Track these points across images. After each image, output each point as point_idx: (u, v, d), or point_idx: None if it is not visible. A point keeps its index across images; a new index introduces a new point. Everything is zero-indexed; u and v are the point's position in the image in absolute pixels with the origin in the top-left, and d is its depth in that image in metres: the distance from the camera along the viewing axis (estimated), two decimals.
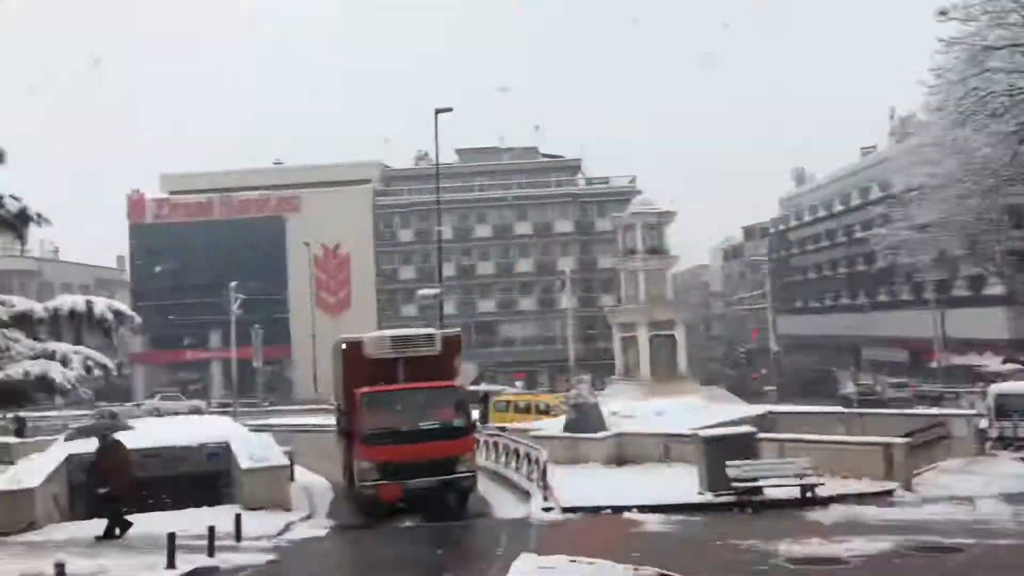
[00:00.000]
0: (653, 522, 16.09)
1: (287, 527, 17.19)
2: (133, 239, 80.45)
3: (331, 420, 24.19)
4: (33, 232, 28.43)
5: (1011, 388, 25.61)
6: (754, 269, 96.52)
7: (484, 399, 33.50)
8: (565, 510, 17.35)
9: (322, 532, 17.23)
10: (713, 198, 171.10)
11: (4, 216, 30.15)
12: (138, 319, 35.28)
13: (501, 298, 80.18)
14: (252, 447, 20.59)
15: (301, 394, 71.57)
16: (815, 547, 13.01)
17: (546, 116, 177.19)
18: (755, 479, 17.62)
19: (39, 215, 31.37)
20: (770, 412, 29.23)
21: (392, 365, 19.41)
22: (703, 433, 18.62)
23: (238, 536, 15.39)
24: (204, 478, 20.37)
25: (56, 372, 29.83)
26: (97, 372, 34.44)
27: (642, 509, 17.23)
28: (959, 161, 28.89)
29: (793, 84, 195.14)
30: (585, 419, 24.10)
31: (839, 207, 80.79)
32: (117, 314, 34.48)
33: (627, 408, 27.43)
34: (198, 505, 18.75)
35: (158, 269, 75.10)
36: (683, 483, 19.16)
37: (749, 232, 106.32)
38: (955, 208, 41.34)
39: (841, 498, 17.96)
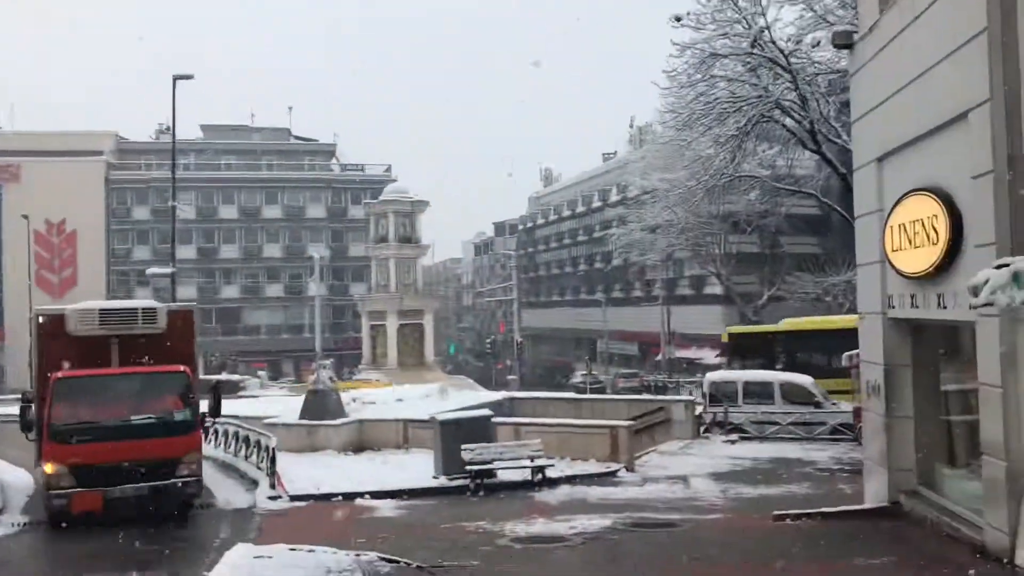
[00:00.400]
0: (384, 508, 15.82)
1: None
2: None
3: None
4: None
5: (722, 376, 27.85)
6: (504, 263, 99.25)
7: (215, 388, 31.62)
8: (294, 498, 16.65)
9: (11, 530, 15.30)
10: (468, 194, 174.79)
11: None
12: None
13: (246, 283, 76.89)
14: None
15: (15, 382, 64.78)
16: (540, 526, 13.27)
17: (301, 100, 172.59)
18: (489, 462, 17.82)
19: None
20: (510, 398, 29.88)
21: (103, 345, 16.16)
22: (440, 417, 18.60)
23: None
24: None
25: None
26: None
27: (375, 495, 16.91)
28: (687, 169, 31.05)
29: (549, 87, 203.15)
30: (323, 405, 23.39)
31: (581, 208, 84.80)
32: None
33: (368, 394, 26.99)
34: None
35: None
36: (420, 468, 19.08)
37: (500, 228, 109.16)
38: (682, 212, 44.84)
39: (569, 479, 18.63)
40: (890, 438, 12.27)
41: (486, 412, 19.20)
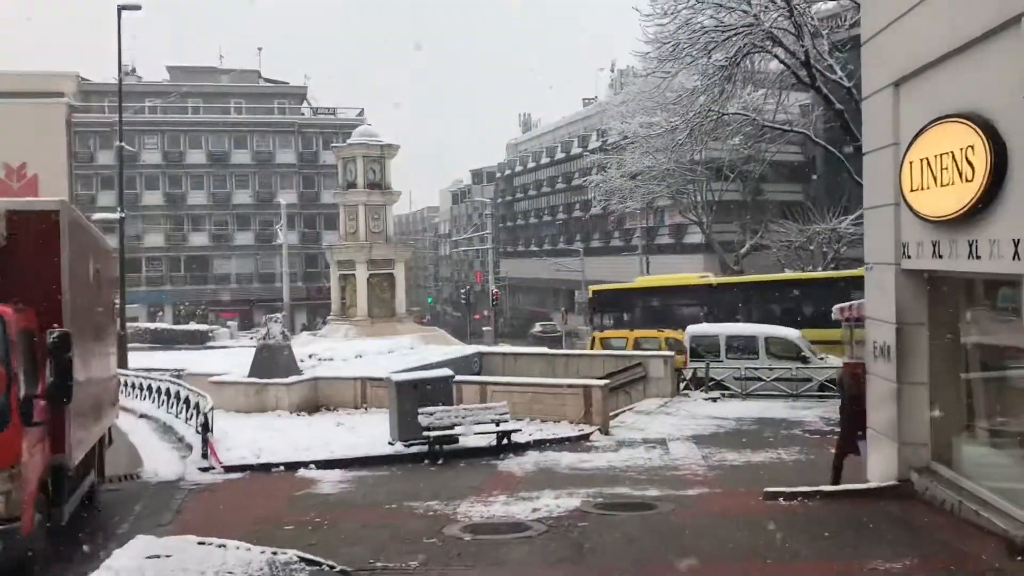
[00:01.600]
0: (328, 481, 14.11)
1: None
2: None
3: None
4: None
5: (703, 330, 26.21)
6: (481, 212, 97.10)
7: (56, 350, 29.63)
8: (228, 469, 14.91)
9: None
10: (446, 140, 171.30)
11: None
12: None
13: (215, 231, 74.46)
14: None
15: None
16: (499, 507, 11.63)
17: (271, 41, 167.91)
18: (449, 427, 16.15)
19: None
20: (480, 353, 28.22)
21: None
22: (395, 377, 16.82)
23: None
24: None
25: None
26: None
27: (320, 465, 15.22)
28: (671, 108, 29.07)
29: (530, 30, 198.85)
30: (273, 362, 21.55)
31: (560, 155, 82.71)
32: None
33: (326, 350, 25.18)
34: None
35: None
36: (376, 432, 17.42)
37: (477, 175, 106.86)
38: (663, 158, 42.98)
39: (538, 444, 17.08)
40: (901, 407, 10.65)
41: (446, 372, 17.45)
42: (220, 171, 74.20)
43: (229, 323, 67.23)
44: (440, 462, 15.67)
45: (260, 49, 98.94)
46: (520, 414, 18.77)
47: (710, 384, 24.28)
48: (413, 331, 41.68)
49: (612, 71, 77.32)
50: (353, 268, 41.99)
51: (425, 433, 15.94)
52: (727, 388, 24.35)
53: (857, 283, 15.08)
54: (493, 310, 64.37)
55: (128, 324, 61.80)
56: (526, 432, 17.54)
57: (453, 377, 17.40)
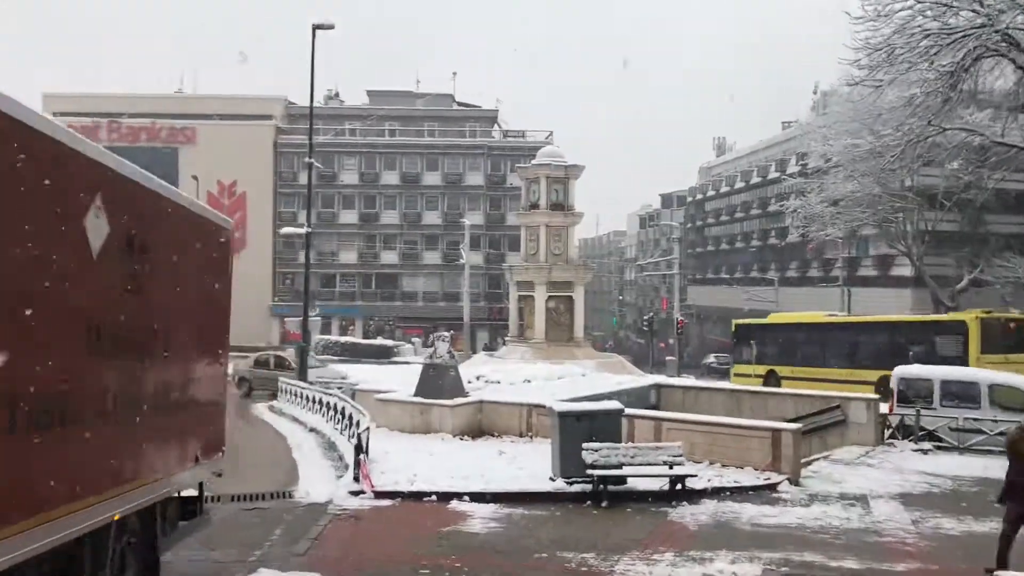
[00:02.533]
0: (479, 517, 12.95)
1: None
2: None
3: None
4: None
5: (915, 372, 23.20)
6: (669, 237, 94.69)
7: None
8: (379, 494, 14.06)
9: None
10: (635, 164, 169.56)
11: None
12: None
13: (405, 250, 76.28)
14: None
15: None
16: (663, 569, 10.04)
17: (466, 66, 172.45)
18: (615, 466, 14.62)
19: None
20: (658, 385, 26.44)
21: None
22: (558, 407, 15.46)
23: None
24: None
25: None
26: None
27: (475, 497, 14.10)
28: (883, 121, 26.24)
29: (724, 52, 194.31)
30: (439, 382, 20.79)
31: (756, 179, 79.27)
32: None
33: (494, 372, 24.25)
34: None
35: None
36: (538, 465, 16.15)
37: (667, 200, 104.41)
38: (869, 184, 39.57)
39: (717, 492, 15.23)
40: None
41: (615, 404, 15.92)
42: (412, 192, 76.04)
43: (414, 339, 68.39)
44: (604, 504, 14.17)
45: (455, 74, 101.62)
46: (697, 456, 17.00)
47: (920, 434, 21.37)
48: (591, 356, 40.40)
49: (815, 92, 73.47)
50: (532, 289, 41.29)
51: (589, 471, 14.51)
52: (940, 440, 21.34)
53: None
54: (678, 339, 61.91)
55: (320, 337, 64.66)
56: (703, 477, 15.76)
57: (623, 411, 15.87)
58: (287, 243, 74.72)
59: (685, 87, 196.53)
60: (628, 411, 16.83)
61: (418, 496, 14.19)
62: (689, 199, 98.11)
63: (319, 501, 13.91)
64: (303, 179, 75.13)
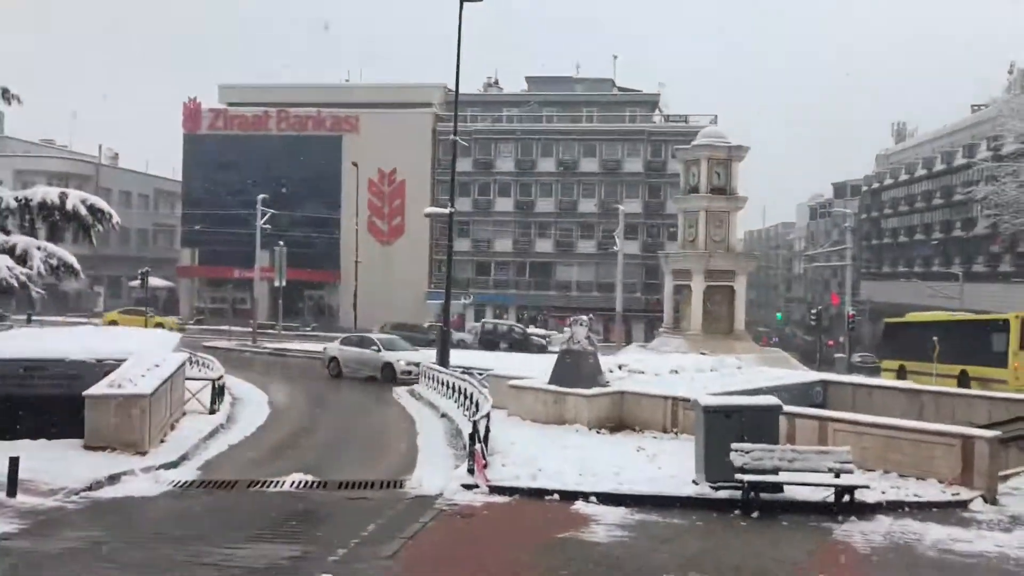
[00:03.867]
0: (605, 523, 11.22)
1: (112, 478, 12.88)
2: (187, 149, 77.38)
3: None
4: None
5: None
6: (842, 228, 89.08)
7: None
8: (494, 489, 12.57)
9: (158, 489, 12.75)
10: (806, 152, 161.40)
11: None
12: (116, 218, 31.70)
13: (560, 238, 74.91)
14: (145, 368, 16.31)
15: (346, 322, 68.36)
16: None
17: (627, 49, 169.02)
18: (770, 471, 12.53)
19: (5, 91, 27.75)
20: (825, 382, 23.72)
21: None
22: (704, 400, 13.44)
23: (11, 487, 11.07)
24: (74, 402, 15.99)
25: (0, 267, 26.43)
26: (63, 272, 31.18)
27: (603, 499, 12.38)
28: None
29: (903, 35, 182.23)
30: (576, 369, 19.08)
31: (940, 166, 73.07)
32: (93, 210, 30.82)
33: (637, 361, 22.29)
34: (49, 436, 14.63)
35: (205, 181, 72.48)
36: (680, 465, 14.24)
37: (840, 189, 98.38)
38: None
39: (893, 507, 12.85)
40: None
41: (772, 400, 13.74)
42: (568, 179, 74.56)
43: (565, 329, 66.97)
44: (754, 516, 12.14)
45: (615, 57, 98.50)
46: (869, 464, 14.60)
47: None
48: (751, 351, 37.60)
49: (1010, 72, 66.78)
50: (689, 279, 38.86)
51: (738, 476, 12.48)
52: None
53: None
54: (848, 335, 57.50)
55: (473, 324, 64.30)
56: (876, 489, 13.36)
57: (780, 408, 13.66)
58: (443, 230, 74.96)
59: (862, 71, 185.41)
60: (787, 408, 14.60)
61: (539, 494, 12.60)
62: (864, 188, 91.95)
63: (429, 494, 12.58)
64: (462, 166, 75.31)
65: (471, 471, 13.04)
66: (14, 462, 11.23)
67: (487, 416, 14.41)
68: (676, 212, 47.95)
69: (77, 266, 30.48)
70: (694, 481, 13.33)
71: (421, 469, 14.20)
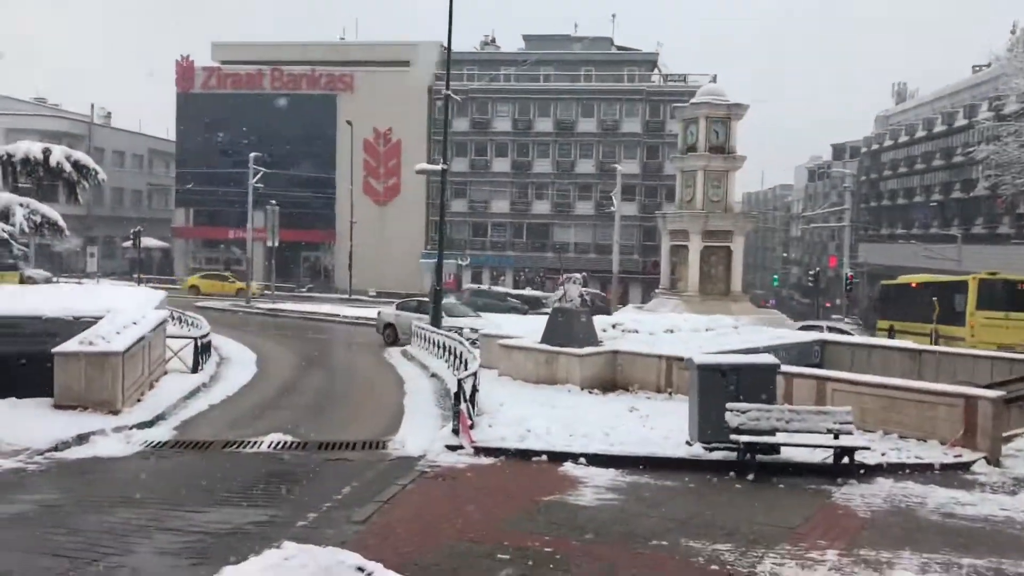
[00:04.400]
0: (594, 484, 10.73)
1: (81, 438, 12.36)
2: (180, 108, 76.14)
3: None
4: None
5: None
6: (840, 190, 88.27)
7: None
8: (479, 450, 12.07)
9: (129, 450, 12.23)
10: (806, 114, 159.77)
11: None
12: (102, 175, 30.98)
13: (557, 199, 74.04)
14: (121, 325, 15.74)
15: (341, 283, 67.83)
16: (824, 574, 7.47)
17: (626, 8, 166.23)
18: (768, 431, 12.05)
19: None
20: (822, 341, 23.23)
21: None
22: (699, 359, 12.90)
23: None
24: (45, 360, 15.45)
25: None
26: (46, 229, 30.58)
27: (592, 460, 11.91)
28: None
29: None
30: (568, 328, 18.53)
31: (940, 127, 72.15)
32: (78, 166, 30.11)
33: (632, 321, 21.73)
34: (19, 395, 14.10)
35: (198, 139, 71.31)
36: (674, 426, 13.78)
37: (839, 150, 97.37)
38: None
39: (893, 469, 12.44)
40: None
41: (769, 359, 13.22)
42: (566, 140, 73.55)
43: (558, 288, 66.43)
44: (750, 478, 11.67)
45: (614, 16, 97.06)
46: (869, 424, 14.18)
47: None
48: (748, 312, 37.12)
49: (1012, 32, 65.62)
50: (686, 239, 38.24)
51: (734, 436, 12.00)
52: None
53: None
54: (847, 295, 56.95)
55: (468, 286, 63.77)
56: (876, 451, 12.92)
57: (778, 366, 13.15)
58: (440, 190, 74.01)
59: (860, 33, 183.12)
60: (784, 368, 14.09)
61: (526, 455, 12.12)
62: (864, 149, 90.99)
63: (411, 455, 12.09)
64: (458, 126, 74.57)
65: (456, 432, 12.54)
66: None
67: (474, 375, 13.89)
68: (674, 173, 47.19)
69: (62, 223, 29.81)
70: (687, 442, 12.86)
71: (405, 429, 13.72)
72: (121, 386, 14.17)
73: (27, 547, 7.66)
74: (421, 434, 13.30)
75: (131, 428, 13.21)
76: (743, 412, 12.08)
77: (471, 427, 12.64)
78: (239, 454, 12.21)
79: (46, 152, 29.39)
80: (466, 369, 15.80)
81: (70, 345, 14.31)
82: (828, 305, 70.85)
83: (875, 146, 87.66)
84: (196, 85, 74.68)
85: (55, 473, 10.80)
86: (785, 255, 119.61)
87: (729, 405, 12.14)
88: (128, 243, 65.11)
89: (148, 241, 72.60)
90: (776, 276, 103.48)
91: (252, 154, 52.62)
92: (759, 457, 12.11)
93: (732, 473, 11.87)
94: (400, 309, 32.31)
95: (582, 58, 76.23)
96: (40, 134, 68.39)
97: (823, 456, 12.43)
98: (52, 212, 29.84)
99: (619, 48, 78.40)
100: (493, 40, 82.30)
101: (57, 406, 13.76)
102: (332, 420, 15.30)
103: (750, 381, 12.73)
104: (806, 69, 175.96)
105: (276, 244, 50.25)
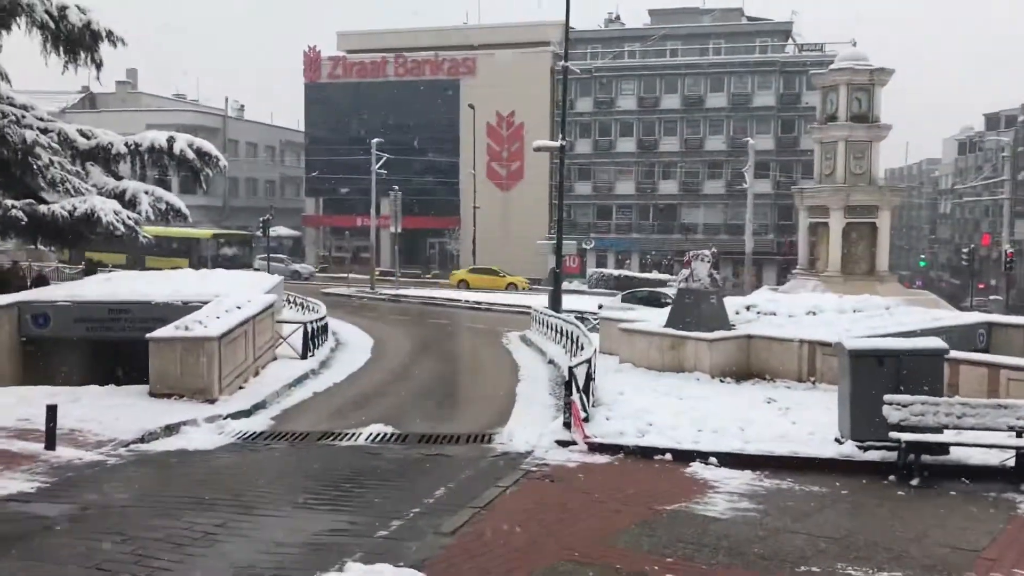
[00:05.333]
0: (726, 490, 9.20)
1: (170, 429, 11.67)
2: (308, 99, 77.56)
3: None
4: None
5: None
6: (995, 163, 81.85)
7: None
8: (594, 447, 10.68)
9: (219, 442, 11.45)
10: (953, 83, 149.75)
11: (69, 32, 26.30)
12: (223, 161, 31.24)
13: (685, 179, 71.42)
14: (223, 309, 15.19)
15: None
16: None
17: None
18: (935, 428, 10.20)
19: (110, 33, 27.29)
20: (989, 323, 20.64)
21: None
22: (850, 343, 11.11)
23: (49, 439, 9.92)
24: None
25: (106, 211, 26.18)
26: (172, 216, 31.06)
27: (724, 460, 10.34)
28: None
29: None
30: (696, 310, 16.85)
31: None
32: (200, 153, 30.42)
33: (768, 301, 19.78)
34: (119, 382, 13.71)
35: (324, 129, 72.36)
36: (820, 420, 12.03)
37: (992, 120, 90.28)
38: None
39: None
40: None
41: (936, 343, 11.30)
42: (694, 116, 70.81)
43: (685, 269, 63.98)
44: (915, 483, 9.86)
45: None
46: None
47: None
48: (896, 293, 34.19)
49: None
50: (826, 215, 35.60)
51: (893, 434, 10.21)
52: None
53: None
54: (1007, 274, 52.37)
55: (594, 270, 62.29)
56: None
57: (946, 351, 11.21)
58: (565, 175, 72.65)
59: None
60: (952, 353, 12.09)
61: (647, 453, 10.66)
62: (1021, 118, 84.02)
63: (518, 451, 10.85)
64: (581, 106, 73.03)
65: (567, 425, 11.21)
66: (51, 411, 10.13)
67: (588, 362, 12.51)
68: (812, 146, 44.25)
69: (185, 210, 30.18)
70: (837, 440, 11.10)
71: (514, 421, 12.51)
72: (218, 373, 13.57)
73: (64, 558, 6.81)
74: (531, 427, 12.05)
75: (225, 418, 12.54)
76: (905, 406, 10.26)
77: (585, 420, 11.31)
78: (333, 447, 11.30)
79: (170, 140, 29.79)
80: (581, 354, 14.46)
81: (166, 331, 13.80)
82: (982, 286, 65.70)
83: None
84: (323, 75, 75.77)
85: (133, 468, 10.09)
86: (932, 235, 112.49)
87: (887, 397, 10.35)
88: (259, 232, 66.80)
89: (281, 230, 74.38)
90: (923, 257, 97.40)
91: (374, 140, 52.71)
92: (924, 458, 10.29)
93: (891, 477, 10.09)
94: (624, 302, 30.69)
95: (711, 31, 73.24)
96: (178, 128, 70.79)
97: (1003, 458, 10.49)
98: (176, 199, 30.24)
99: (750, 19, 75.03)
100: (617, 17, 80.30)
101: (152, 394, 13.26)
102: (439, 409, 14.30)
103: (912, 369, 10.86)
104: (957, 36, 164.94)
105: (398, 231, 50.14)
